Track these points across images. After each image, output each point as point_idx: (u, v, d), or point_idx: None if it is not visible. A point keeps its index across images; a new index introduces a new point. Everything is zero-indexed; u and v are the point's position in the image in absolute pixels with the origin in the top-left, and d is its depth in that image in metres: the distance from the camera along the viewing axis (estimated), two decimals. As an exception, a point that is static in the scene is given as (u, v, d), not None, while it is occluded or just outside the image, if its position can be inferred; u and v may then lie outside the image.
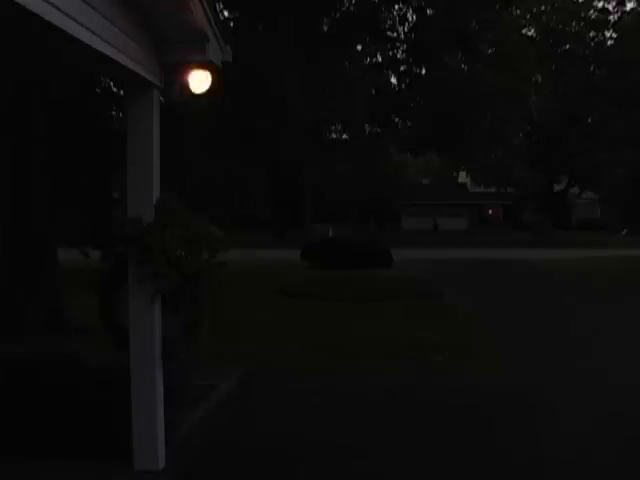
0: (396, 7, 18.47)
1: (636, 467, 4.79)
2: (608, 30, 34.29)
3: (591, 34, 34.37)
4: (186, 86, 4.62)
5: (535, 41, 28.31)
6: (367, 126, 20.56)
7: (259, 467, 4.79)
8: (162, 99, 4.84)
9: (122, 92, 9.99)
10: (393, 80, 20.56)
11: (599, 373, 7.54)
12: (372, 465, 4.84)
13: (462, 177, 50.53)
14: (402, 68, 19.82)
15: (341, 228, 33.96)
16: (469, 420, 5.85)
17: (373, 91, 18.70)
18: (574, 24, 33.77)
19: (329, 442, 5.27)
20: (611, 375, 7.46)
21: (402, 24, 18.94)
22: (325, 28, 17.90)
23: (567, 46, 33.70)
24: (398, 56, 19.73)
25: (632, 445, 5.17)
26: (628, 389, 6.83)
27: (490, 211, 54.77)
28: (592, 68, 34.01)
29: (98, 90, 11.98)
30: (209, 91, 4.73)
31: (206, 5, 4.14)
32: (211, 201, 13.77)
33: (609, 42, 34.51)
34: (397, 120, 20.52)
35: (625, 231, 44.38)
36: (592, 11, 34.22)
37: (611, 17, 34.23)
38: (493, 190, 44.82)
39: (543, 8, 32.22)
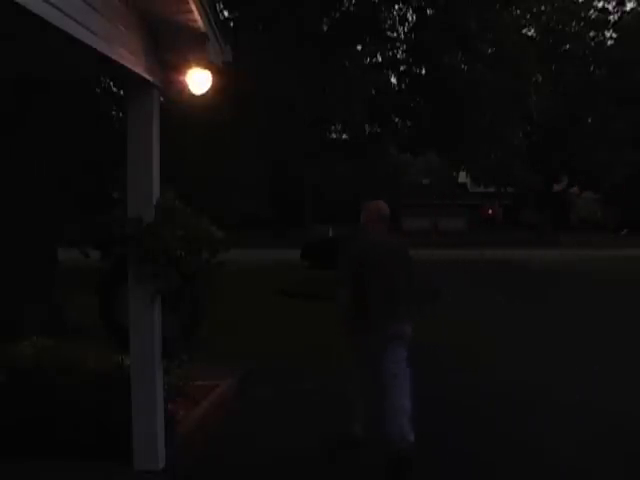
0: (396, 7, 18.49)
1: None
2: (608, 30, 34.29)
3: (591, 34, 34.36)
4: (186, 86, 4.62)
5: (535, 41, 28.28)
6: (367, 126, 20.56)
7: (259, 467, 4.79)
8: (162, 99, 4.84)
9: (122, 92, 10.01)
10: (393, 80, 20.58)
11: (602, 378, 7.55)
12: (369, 463, 4.84)
13: (462, 177, 50.48)
14: (402, 68, 19.83)
15: (341, 228, 33.92)
16: (467, 419, 5.86)
17: (373, 91, 18.70)
18: (574, 24, 33.76)
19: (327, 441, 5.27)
20: (612, 376, 7.48)
21: (402, 24, 18.96)
22: (325, 28, 17.90)
23: (567, 46, 33.69)
24: (398, 56, 19.74)
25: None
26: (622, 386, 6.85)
27: (490, 211, 54.77)
28: (592, 68, 33.99)
29: (98, 90, 11.99)
30: (209, 91, 4.73)
31: (206, 5, 4.14)
32: (211, 201, 13.78)
33: (609, 42, 34.51)
34: (397, 120, 20.52)
35: (625, 231, 44.39)
36: (592, 11, 34.22)
37: (611, 17, 34.24)
38: (493, 190, 44.81)
39: (543, 8, 32.20)
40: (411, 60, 19.37)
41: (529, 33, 30.18)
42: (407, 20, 18.88)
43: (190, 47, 4.44)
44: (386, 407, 4.71)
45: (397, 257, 5.04)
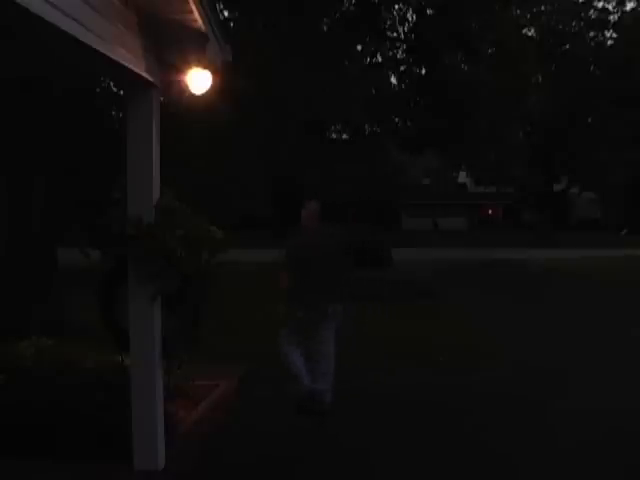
0: (396, 7, 18.49)
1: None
2: (608, 30, 34.27)
3: (591, 34, 34.34)
4: (186, 86, 4.61)
5: (535, 41, 28.24)
6: (367, 126, 20.56)
7: (259, 467, 4.79)
8: (162, 99, 4.84)
9: (122, 92, 9.99)
10: (393, 80, 20.60)
11: (601, 381, 7.55)
12: (369, 464, 4.84)
13: (462, 177, 50.52)
14: (402, 68, 19.84)
15: (341, 228, 33.81)
16: (466, 420, 5.85)
17: (373, 91, 18.71)
18: (574, 24, 33.74)
19: (327, 442, 5.27)
20: (610, 376, 7.49)
21: (402, 24, 18.97)
22: (325, 28, 17.90)
23: (567, 46, 33.66)
24: (398, 56, 19.75)
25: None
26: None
27: (490, 211, 54.79)
28: (592, 68, 33.96)
29: (98, 90, 11.99)
30: (209, 91, 4.73)
31: (206, 5, 4.13)
32: (211, 201, 13.77)
33: (609, 42, 34.50)
34: (397, 120, 20.53)
35: (625, 231, 44.39)
36: (592, 11, 34.19)
37: (611, 17, 34.21)
38: (493, 190, 44.83)
39: (543, 8, 32.15)
40: (411, 60, 19.37)
41: (529, 33, 30.16)
42: (407, 20, 18.90)
43: (190, 47, 4.44)
44: (315, 370, 5.89)
45: (329, 248, 6.08)
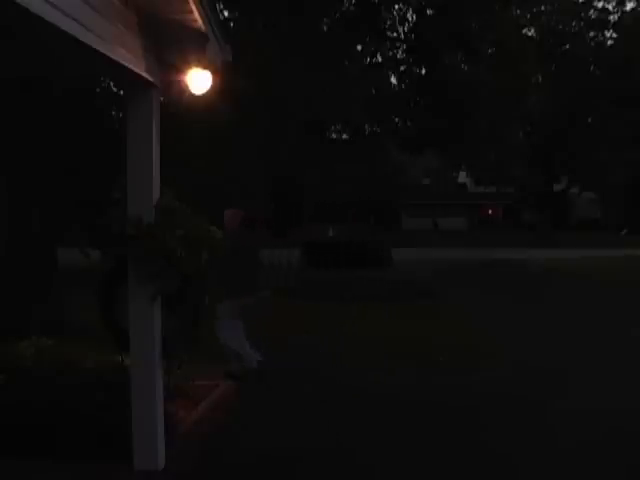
0: (396, 7, 18.49)
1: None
2: (608, 30, 34.29)
3: (591, 34, 34.36)
4: (186, 86, 4.61)
5: (535, 41, 28.24)
6: (367, 126, 20.57)
7: (259, 467, 4.79)
8: (162, 99, 4.84)
9: (122, 92, 9.99)
10: (393, 80, 20.60)
11: (601, 381, 7.55)
12: (370, 463, 4.84)
13: (462, 177, 50.53)
14: (402, 68, 19.84)
15: (341, 228, 33.88)
16: (466, 420, 5.85)
17: (373, 91, 18.71)
18: (574, 24, 33.76)
19: (327, 441, 5.27)
20: (610, 376, 7.49)
21: (402, 24, 18.96)
22: (325, 28, 17.89)
23: (567, 46, 33.68)
24: (398, 56, 19.75)
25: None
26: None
27: (490, 211, 54.79)
28: (592, 68, 33.97)
29: (98, 90, 11.99)
30: (209, 91, 4.73)
31: (206, 5, 4.13)
32: (211, 201, 13.75)
33: (609, 42, 34.52)
34: (397, 120, 20.53)
35: (625, 231, 44.39)
36: (592, 11, 34.21)
37: (611, 17, 34.24)
38: (493, 190, 44.86)
39: (543, 8, 32.15)
40: (411, 60, 19.37)
41: (529, 33, 30.13)
42: (407, 20, 18.89)
43: (190, 47, 4.44)
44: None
45: (248, 250, 7.41)
